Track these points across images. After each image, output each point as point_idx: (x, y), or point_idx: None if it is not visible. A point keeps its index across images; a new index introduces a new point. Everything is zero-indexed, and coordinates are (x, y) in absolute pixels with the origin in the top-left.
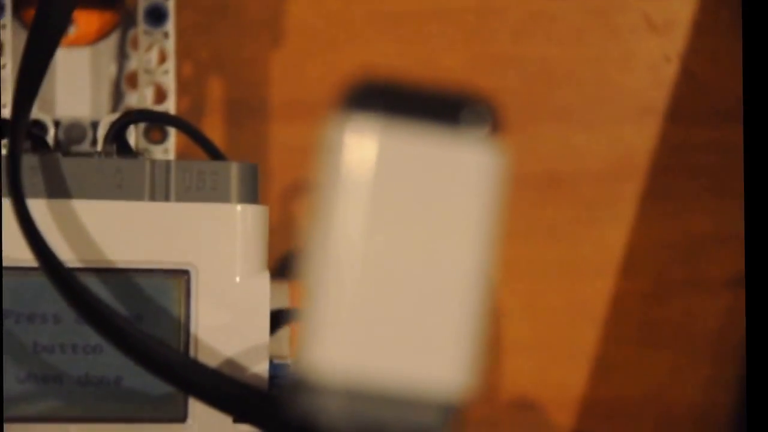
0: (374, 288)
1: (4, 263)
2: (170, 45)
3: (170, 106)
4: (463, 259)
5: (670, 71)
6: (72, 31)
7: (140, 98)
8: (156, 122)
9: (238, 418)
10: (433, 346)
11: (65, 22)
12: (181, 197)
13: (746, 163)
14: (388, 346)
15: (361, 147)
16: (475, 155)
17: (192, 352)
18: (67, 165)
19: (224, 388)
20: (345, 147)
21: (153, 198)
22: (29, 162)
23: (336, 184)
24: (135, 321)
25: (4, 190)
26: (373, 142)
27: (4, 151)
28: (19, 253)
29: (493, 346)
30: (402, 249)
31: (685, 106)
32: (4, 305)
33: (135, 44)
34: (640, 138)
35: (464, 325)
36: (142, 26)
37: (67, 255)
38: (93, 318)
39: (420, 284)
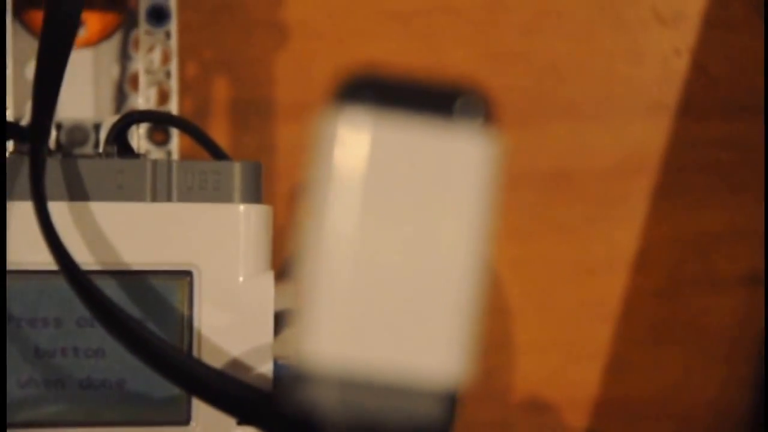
0: (369, 279)
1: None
2: (173, 45)
3: (173, 107)
4: (457, 249)
5: (680, 65)
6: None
7: (143, 99)
8: (158, 123)
9: (242, 420)
10: (428, 335)
11: (77, 20)
12: (184, 198)
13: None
14: (384, 337)
15: (354, 139)
16: (470, 146)
17: (196, 353)
18: (68, 167)
19: (230, 389)
20: (337, 141)
21: (155, 199)
22: (27, 164)
23: (329, 176)
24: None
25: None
26: (366, 133)
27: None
28: (19, 256)
29: (504, 347)
30: (396, 240)
31: (696, 101)
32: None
33: (137, 45)
34: (651, 133)
35: (460, 315)
36: (143, 26)
37: None
38: (108, 320)
39: (415, 274)
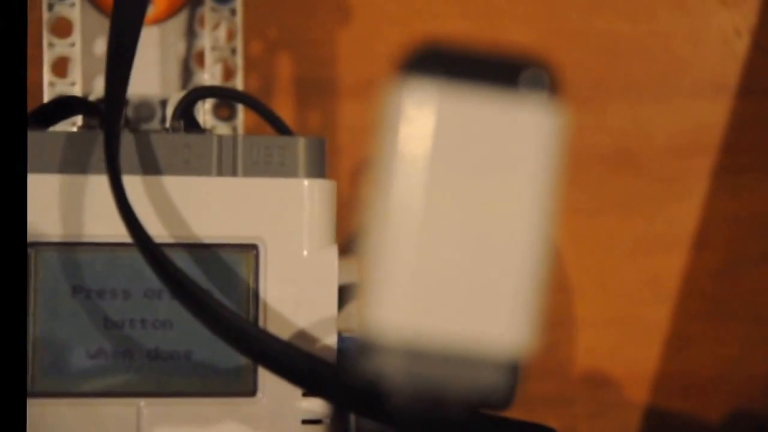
0: (434, 250)
1: (74, 239)
2: (238, 22)
3: (238, 84)
4: (521, 220)
5: (741, 46)
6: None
7: (208, 76)
8: (223, 98)
9: (308, 391)
10: (493, 306)
11: None
12: (249, 172)
13: None
14: (448, 308)
15: (420, 111)
16: (535, 117)
17: (261, 325)
18: (135, 141)
19: (296, 361)
20: (403, 113)
21: (221, 173)
22: (98, 139)
23: (395, 149)
24: None
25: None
26: (432, 106)
27: (72, 128)
28: (88, 229)
29: (566, 323)
30: (461, 211)
31: (756, 81)
32: (75, 281)
33: (203, 22)
34: (711, 113)
35: (524, 285)
36: (209, 4)
37: None
38: (179, 291)
39: (479, 246)
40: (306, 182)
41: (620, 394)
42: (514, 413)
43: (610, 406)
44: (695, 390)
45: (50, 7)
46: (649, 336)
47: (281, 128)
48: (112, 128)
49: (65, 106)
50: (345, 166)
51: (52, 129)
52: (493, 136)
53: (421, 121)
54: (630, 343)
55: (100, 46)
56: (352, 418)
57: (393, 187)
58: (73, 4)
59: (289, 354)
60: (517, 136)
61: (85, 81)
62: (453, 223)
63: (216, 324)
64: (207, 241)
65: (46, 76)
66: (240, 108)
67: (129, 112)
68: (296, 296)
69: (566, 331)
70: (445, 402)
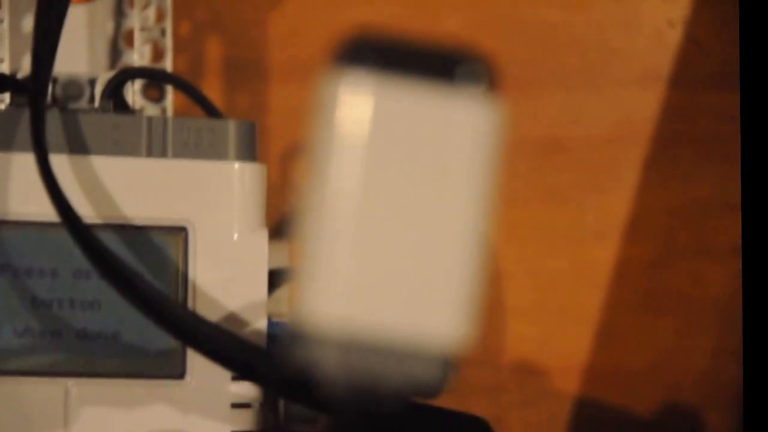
0: (370, 241)
1: (3, 218)
2: (167, 3)
3: (167, 65)
4: (459, 213)
5: (674, 36)
6: None
7: (137, 56)
8: (153, 79)
9: (237, 375)
10: (429, 298)
11: None
12: (179, 154)
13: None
14: (384, 299)
15: (356, 103)
16: (471, 111)
17: (190, 308)
18: (64, 120)
19: (227, 344)
20: (339, 103)
21: (150, 154)
22: (26, 116)
23: (330, 140)
24: None
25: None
26: (368, 97)
27: (0, 106)
28: (16, 207)
29: (496, 311)
30: (397, 202)
31: (688, 72)
32: (2, 260)
33: (132, 2)
34: (643, 103)
35: (461, 278)
36: None
37: None
38: (108, 271)
39: (416, 237)
40: (236, 165)
41: (550, 384)
42: (444, 401)
43: (540, 395)
44: (627, 382)
45: None
46: (581, 326)
47: (211, 110)
48: (37, 105)
49: None
50: (275, 149)
51: None
52: (429, 128)
53: (356, 112)
54: (561, 333)
55: (29, 23)
56: (282, 402)
57: (328, 178)
58: None
59: (218, 337)
60: (453, 129)
61: (13, 58)
62: (389, 214)
63: (144, 305)
64: (136, 222)
65: None
66: (170, 90)
67: (57, 90)
68: (226, 280)
69: (496, 320)
70: (378, 392)
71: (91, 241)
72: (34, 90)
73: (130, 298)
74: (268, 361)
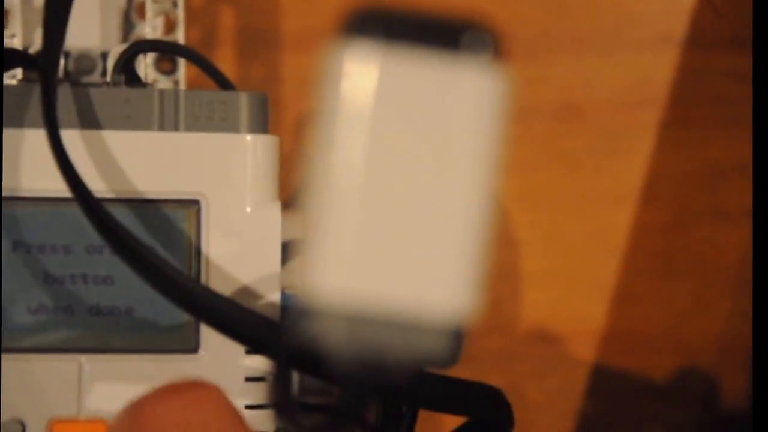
0: (376, 213)
1: (13, 194)
2: None
3: (179, 37)
4: (464, 182)
5: None
6: None
7: (149, 29)
8: (165, 52)
9: (250, 349)
10: (435, 270)
11: None
12: (191, 127)
13: (756, 92)
14: (391, 271)
15: (361, 72)
16: (477, 80)
17: (203, 282)
18: (76, 95)
19: (240, 318)
20: (345, 73)
21: (162, 128)
22: (37, 92)
23: (336, 109)
24: None
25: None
26: (373, 68)
27: (12, 81)
28: (29, 183)
29: (510, 278)
30: (403, 174)
31: (702, 34)
32: (15, 236)
33: None
34: (657, 66)
35: (467, 250)
36: None
37: None
38: (120, 246)
39: (422, 209)
40: (248, 137)
41: (566, 350)
42: (460, 370)
43: (556, 362)
44: (643, 347)
45: None
46: (596, 291)
47: (223, 83)
48: (48, 80)
49: (4, 58)
50: (288, 119)
51: None
52: (435, 98)
53: (362, 82)
54: (576, 299)
55: None
56: (296, 375)
57: (334, 150)
58: None
59: (232, 311)
60: (459, 98)
61: (25, 33)
62: (395, 185)
63: (157, 280)
64: (148, 196)
65: None
66: (182, 62)
67: (69, 64)
68: (239, 253)
69: (512, 287)
70: (386, 364)
71: (103, 216)
72: (45, 65)
73: (142, 273)
74: (280, 335)
